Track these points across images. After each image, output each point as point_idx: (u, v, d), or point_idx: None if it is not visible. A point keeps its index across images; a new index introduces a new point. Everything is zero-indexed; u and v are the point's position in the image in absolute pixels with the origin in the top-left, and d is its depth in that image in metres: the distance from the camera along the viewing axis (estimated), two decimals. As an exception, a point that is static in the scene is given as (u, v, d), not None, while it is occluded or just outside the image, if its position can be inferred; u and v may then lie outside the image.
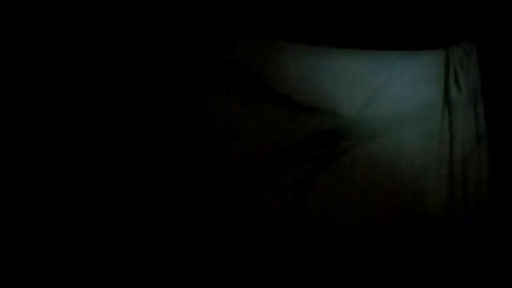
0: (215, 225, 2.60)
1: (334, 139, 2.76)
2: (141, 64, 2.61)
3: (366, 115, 2.79)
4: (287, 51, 2.75)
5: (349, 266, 2.70)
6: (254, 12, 2.95)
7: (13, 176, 2.49)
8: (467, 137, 2.86)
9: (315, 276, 2.67)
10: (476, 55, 2.93)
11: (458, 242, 2.76)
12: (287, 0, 3.04)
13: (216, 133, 2.65)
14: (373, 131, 2.79)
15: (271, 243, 2.64)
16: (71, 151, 2.52)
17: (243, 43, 2.70)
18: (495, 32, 3.05)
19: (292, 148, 2.72)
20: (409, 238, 2.75)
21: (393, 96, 2.82)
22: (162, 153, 2.60)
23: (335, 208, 2.72)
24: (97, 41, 2.58)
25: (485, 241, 2.76)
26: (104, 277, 2.50)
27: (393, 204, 2.77)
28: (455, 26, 3.01)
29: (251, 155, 2.67)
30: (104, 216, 2.52)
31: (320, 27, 2.99)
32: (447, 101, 2.85)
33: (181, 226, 2.57)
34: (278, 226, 2.66)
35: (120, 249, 2.52)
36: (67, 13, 2.57)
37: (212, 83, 2.67)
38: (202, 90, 2.65)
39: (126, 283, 2.52)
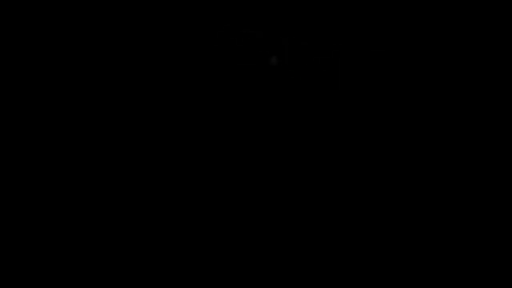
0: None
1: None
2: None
3: None
4: None
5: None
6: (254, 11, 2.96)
7: (13, 176, 2.49)
8: None
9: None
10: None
11: None
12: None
13: None
14: None
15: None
16: (71, 150, 2.53)
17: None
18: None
19: None
20: None
21: None
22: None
23: None
24: (96, 41, 2.59)
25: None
26: (104, 277, 2.49)
27: None
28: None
29: None
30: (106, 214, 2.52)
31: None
32: None
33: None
34: None
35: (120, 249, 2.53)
36: (67, 13, 2.58)
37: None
38: None
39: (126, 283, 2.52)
